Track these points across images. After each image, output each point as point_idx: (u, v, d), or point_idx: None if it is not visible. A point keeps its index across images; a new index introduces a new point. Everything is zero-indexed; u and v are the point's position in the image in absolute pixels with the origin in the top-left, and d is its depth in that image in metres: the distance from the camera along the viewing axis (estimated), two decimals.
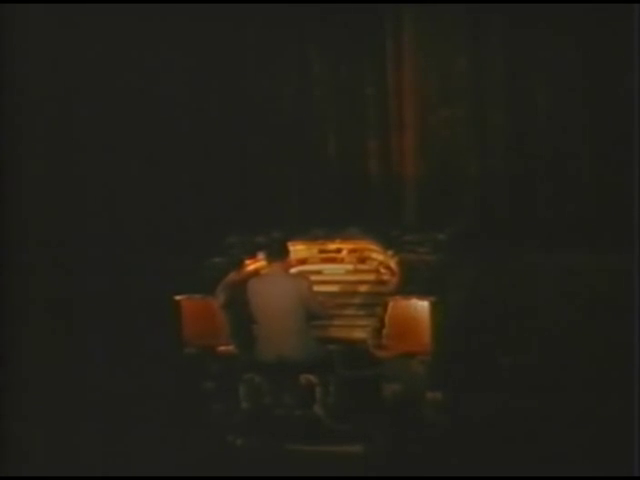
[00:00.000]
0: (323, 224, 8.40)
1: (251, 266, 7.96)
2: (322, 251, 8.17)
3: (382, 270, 7.93)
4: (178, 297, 7.62)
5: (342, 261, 8.13)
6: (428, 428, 7.20)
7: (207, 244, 8.32)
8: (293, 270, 7.74)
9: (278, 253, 7.34)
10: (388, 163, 9.66)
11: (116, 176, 9.41)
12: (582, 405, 7.58)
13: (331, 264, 8.14)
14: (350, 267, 8.09)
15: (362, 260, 8.07)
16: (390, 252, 7.80)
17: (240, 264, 7.94)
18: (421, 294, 7.13)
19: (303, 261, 8.11)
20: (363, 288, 7.95)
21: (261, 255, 7.70)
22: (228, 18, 9.68)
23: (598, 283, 8.52)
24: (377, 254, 7.98)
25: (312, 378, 7.07)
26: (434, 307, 7.09)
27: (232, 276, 7.79)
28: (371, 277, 8.00)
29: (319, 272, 8.08)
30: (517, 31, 9.23)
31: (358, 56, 9.76)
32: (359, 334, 7.35)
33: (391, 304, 7.16)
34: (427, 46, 9.52)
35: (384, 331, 7.18)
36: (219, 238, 8.35)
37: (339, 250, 8.15)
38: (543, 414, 7.51)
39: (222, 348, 7.52)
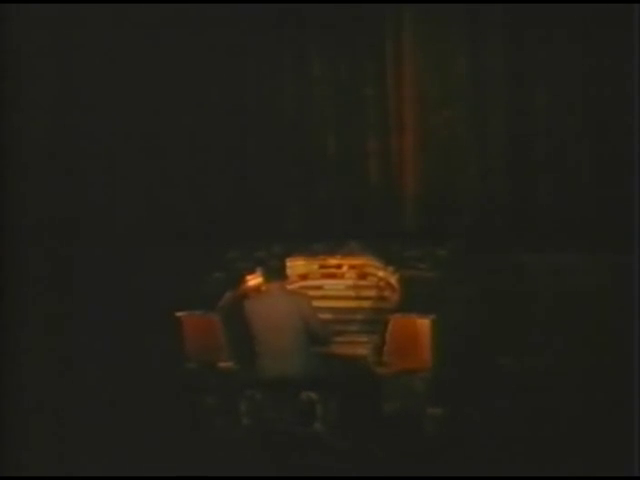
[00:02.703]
0: (324, 238, 8.43)
1: (252, 281, 7.98)
2: (322, 267, 8.19)
3: (383, 286, 7.92)
4: (179, 313, 7.68)
5: (342, 277, 8.13)
6: (429, 444, 7.25)
7: (208, 259, 8.35)
8: (292, 286, 7.75)
9: (276, 273, 7.33)
10: (388, 166, 9.60)
11: (115, 189, 9.39)
12: (582, 405, 7.63)
13: (331, 280, 8.15)
14: (350, 283, 8.09)
15: (363, 276, 8.07)
16: (391, 268, 7.82)
17: (241, 280, 7.97)
18: (421, 312, 7.17)
19: (304, 276, 8.12)
20: (364, 304, 7.96)
21: (259, 273, 7.70)
22: (228, 18, 9.60)
23: (598, 284, 8.50)
24: (378, 270, 7.98)
25: (313, 395, 7.09)
26: (434, 324, 7.13)
27: (233, 292, 7.82)
28: (372, 293, 8.00)
29: (319, 288, 8.10)
30: (517, 31, 9.12)
31: (358, 56, 9.69)
32: (360, 351, 7.39)
33: (392, 321, 7.19)
34: (427, 46, 9.44)
35: (385, 348, 7.22)
36: (220, 253, 8.39)
37: (339, 266, 8.15)
38: (544, 416, 7.57)
39: (223, 364, 7.58)
